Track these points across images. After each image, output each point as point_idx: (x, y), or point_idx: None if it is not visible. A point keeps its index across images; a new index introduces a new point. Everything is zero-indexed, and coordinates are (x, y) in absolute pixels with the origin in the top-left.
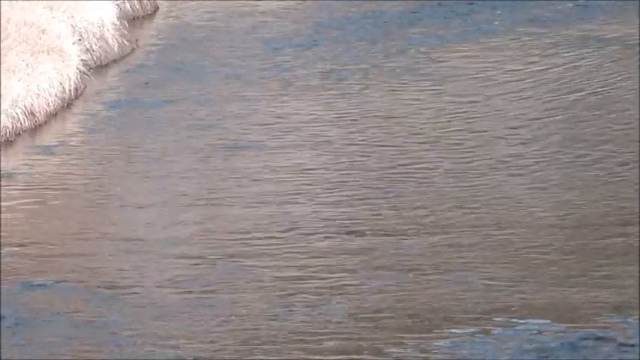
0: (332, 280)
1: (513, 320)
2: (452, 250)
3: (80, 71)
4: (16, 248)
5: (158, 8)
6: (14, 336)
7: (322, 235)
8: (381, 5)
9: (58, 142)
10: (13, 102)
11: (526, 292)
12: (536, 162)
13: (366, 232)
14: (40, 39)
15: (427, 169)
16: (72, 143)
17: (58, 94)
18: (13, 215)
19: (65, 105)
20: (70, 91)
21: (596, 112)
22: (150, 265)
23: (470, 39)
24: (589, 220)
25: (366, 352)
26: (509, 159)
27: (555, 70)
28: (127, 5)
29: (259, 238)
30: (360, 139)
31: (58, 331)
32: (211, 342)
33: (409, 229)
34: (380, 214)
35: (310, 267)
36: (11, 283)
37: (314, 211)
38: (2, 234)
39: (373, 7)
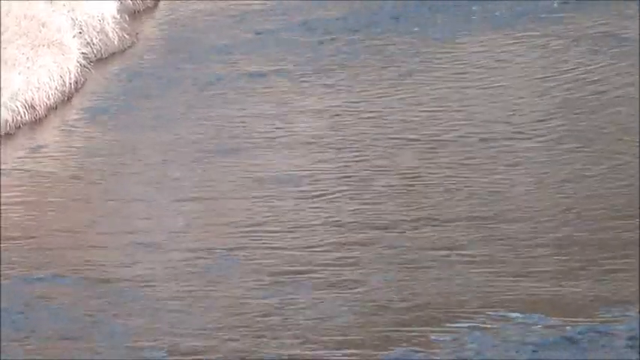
0: (334, 274)
1: (513, 314)
2: (452, 245)
3: (80, 65)
4: (16, 242)
5: (159, 2)
6: (13, 329)
7: (323, 230)
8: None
9: (59, 135)
10: (14, 95)
11: (526, 286)
12: (537, 157)
13: (367, 227)
14: (41, 32)
15: (427, 164)
16: (72, 137)
17: (58, 88)
18: (12, 209)
19: (65, 98)
20: (70, 84)
21: (596, 108)
22: (149, 259)
23: (467, 35)
24: (589, 215)
25: (367, 346)
26: (509, 154)
27: (556, 66)
28: None
29: (260, 232)
30: (359, 134)
31: (56, 325)
32: (212, 336)
33: (409, 224)
34: (380, 209)
35: (312, 261)
36: (11, 277)
37: (315, 206)
38: (2, 227)
39: (369, 5)
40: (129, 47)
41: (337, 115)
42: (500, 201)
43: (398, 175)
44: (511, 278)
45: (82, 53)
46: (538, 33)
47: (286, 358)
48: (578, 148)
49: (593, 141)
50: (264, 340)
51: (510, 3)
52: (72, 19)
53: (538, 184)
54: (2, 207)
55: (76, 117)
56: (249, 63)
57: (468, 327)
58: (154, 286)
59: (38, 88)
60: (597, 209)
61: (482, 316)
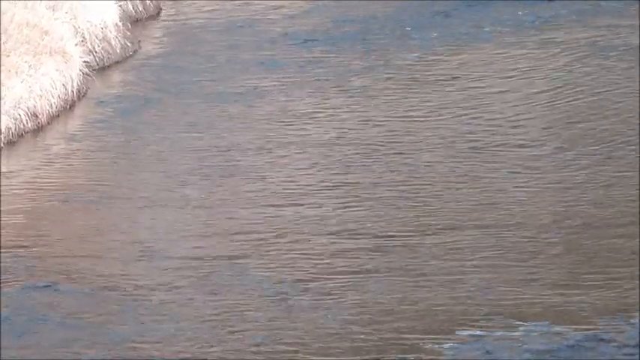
0: (337, 281)
1: (516, 322)
2: (455, 253)
3: (83, 73)
4: (17, 250)
5: (161, 10)
6: (15, 338)
7: (328, 237)
8: (388, 5)
9: (61, 143)
10: (16, 103)
11: (528, 293)
12: (538, 165)
13: (371, 235)
14: (43, 40)
15: (431, 172)
16: (74, 145)
17: (60, 96)
18: (15, 216)
19: (68, 106)
20: (72, 92)
21: (597, 115)
22: (151, 267)
23: (469, 42)
24: (590, 222)
25: (371, 353)
26: (512, 162)
27: (557, 73)
28: (130, 7)
29: (263, 240)
30: (365, 140)
31: (59, 333)
32: (215, 343)
33: (412, 231)
34: (383, 217)
35: (316, 268)
36: (13, 285)
37: (319, 213)
38: (4, 235)
39: (378, 7)
40: (131, 55)
41: (339, 124)
42: (505, 209)
43: (401, 183)
44: (513, 285)
45: (85, 61)
46: (541, 42)
47: None
48: (579, 155)
49: (594, 148)
50: (268, 347)
51: (512, 13)
52: (74, 27)
53: (541, 192)
54: (4, 215)
55: (78, 125)
56: (251, 66)
57: (472, 334)
58: (157, 294)
59: (41, 96)
60: (599, 217)
61: (486, 323)
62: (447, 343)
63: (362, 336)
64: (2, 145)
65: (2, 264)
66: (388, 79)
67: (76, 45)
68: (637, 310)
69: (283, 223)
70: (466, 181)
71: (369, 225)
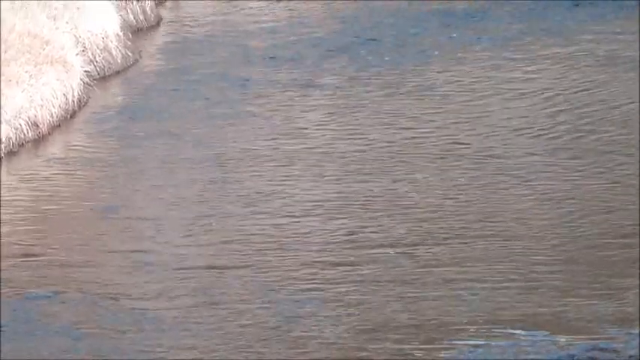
0: (336, 292)
1: (516, 332)
2: (455, 262)
3: (83, 82)
4: (18, 259)
5: (161, 20)
6: (15, 347)
7: (326, 247)
8: (401, 7)
9: (62, 153)
10: (17, 113)
11: (529, 303)
12: (538, 174)
13: (370, 244)
14: (44, 50)
15: (431, 181)
16: (75, 154)
17: (61, 105)
18: (15, 226)
19: (69, 116)
20: (73, 102)
21: (598, 124)
22: (152, 276)
23: (470, 50)
24: (591, 232)
25: None
26: (512, 171)
27: (558, 82)
28: (131, 17)
29: (263, 250)
30: (364, 151)
31: (58, 343)
32: (214, 353)
33: (412, 241)
34: (383, 227)
35: (314, 279)
36: (13, 295)
37: (318, 223)
38: (4, 244)
39: (383, 11)
40: (132, 65)
41: (337, 132)
42: (505, 219)
43: (399, 192)
44: (514, 295)
45: (85, 71)
46: (541, 51)
47: None
48: (580, 165)
49: (594, 158)
50: (266, 357)
51: (511, 21)
52: (75, 36)
53: (541, 201)
54: (4, 224)
55: (79, 135)
56: (253, 76)
57: (472, 344)
58: (158, 303)
59: (41, 106)
60: (600, 227)
61: (485, 333)
62: (446, 352)
63: (360, 345)
64: (2, 154)
65: (2, 273)
66: (384, 92)
67: (77, 55)
68: (638, 320)
69: (282, 233)
70: (467, 192)
71: (369, 235)
